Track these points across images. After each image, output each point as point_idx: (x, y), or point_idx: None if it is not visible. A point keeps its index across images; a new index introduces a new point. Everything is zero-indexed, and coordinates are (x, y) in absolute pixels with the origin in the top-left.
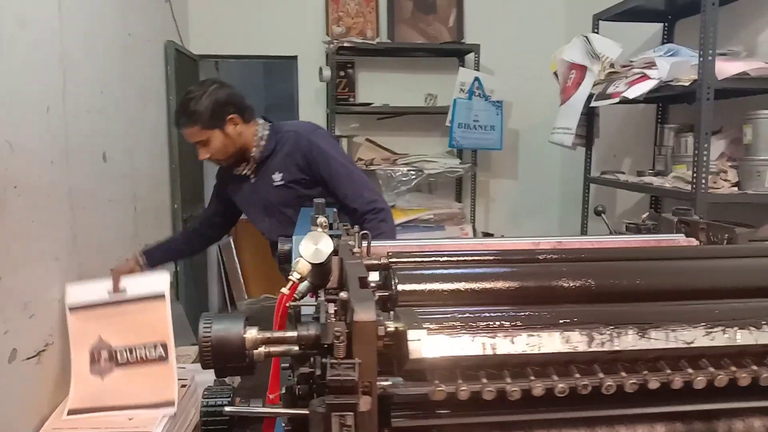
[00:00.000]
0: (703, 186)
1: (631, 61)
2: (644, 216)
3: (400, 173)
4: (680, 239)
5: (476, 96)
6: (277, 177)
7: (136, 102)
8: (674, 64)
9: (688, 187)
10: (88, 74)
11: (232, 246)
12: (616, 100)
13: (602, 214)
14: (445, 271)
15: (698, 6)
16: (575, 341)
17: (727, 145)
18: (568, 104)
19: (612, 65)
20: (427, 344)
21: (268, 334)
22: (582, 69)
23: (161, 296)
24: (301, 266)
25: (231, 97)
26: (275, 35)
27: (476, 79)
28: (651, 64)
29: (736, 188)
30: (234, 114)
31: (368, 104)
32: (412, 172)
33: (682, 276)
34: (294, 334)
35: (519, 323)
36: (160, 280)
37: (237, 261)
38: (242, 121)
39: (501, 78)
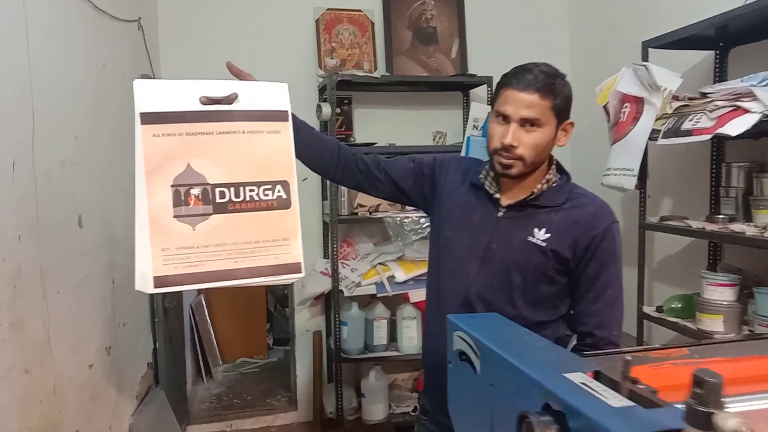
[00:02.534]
0: None
1: (706, 93)
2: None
3: (409, 220)
4: None
5: None
6: (542, 234)
7: (110, 148)
8: None
9: None
10: (61, 116)
11: (204, 305)
12: (705, 137)
13: None
14: None
15: (754, 34)
16: None
17: None
18: (625, 141)
19: (675, 97)
20: None
21: None
22: (637, 101)
23: (283, 115)
24: None
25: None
26: (260, 69)
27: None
28: (744, 96)
29: None
30: (572, 121)
31: (372, 144)
32: (423, 219)
33: None
34: None
35: None
36: (279, 92)
37: (210, 322)
38: (568, 136)
39: None
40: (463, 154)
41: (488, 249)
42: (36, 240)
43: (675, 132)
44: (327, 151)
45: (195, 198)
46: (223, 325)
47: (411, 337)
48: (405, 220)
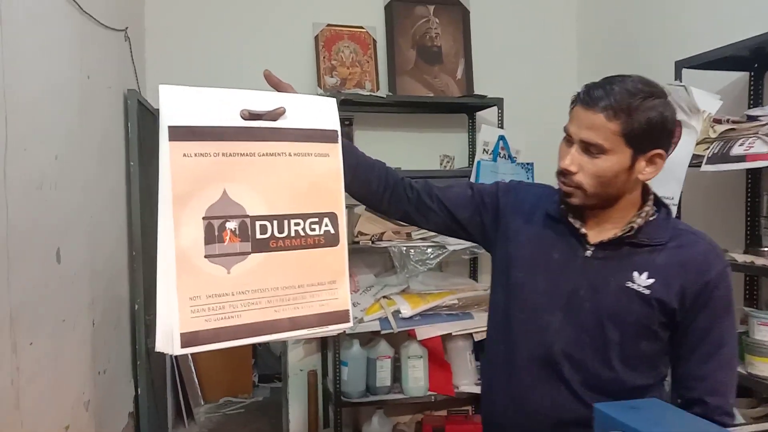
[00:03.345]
0: None
1: (755, 117)
2: None
3: (416, 251)
4: None
5: (501, 157)
6: (643, 279)
7: (94, 169)
8: None
9: None
10: (39, 130)
11: None
12: (763, 162)
13: None
14: None
15: None
16: None
17: None
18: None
19: (716, 120)
20: None
21: None
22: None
23: (333, 135)
24: None
25: (671, 128)
26: (255, 88)
27: (501, 137)
28: None
29: None
30: (662, 151)
31: None
32: (429, 250)
33: None
34: None
35: None
36: (328, 108)
37: (190, 359)
38: (656, 168)
39: (522, 135)
40: (473, 179)
41: (574, 296)
42: (5, 281)
43: (723, 158)
44: (374, 177)
45: (231, 233)
46: (204, 360)
47: (417, 378)
48: (411, 250)
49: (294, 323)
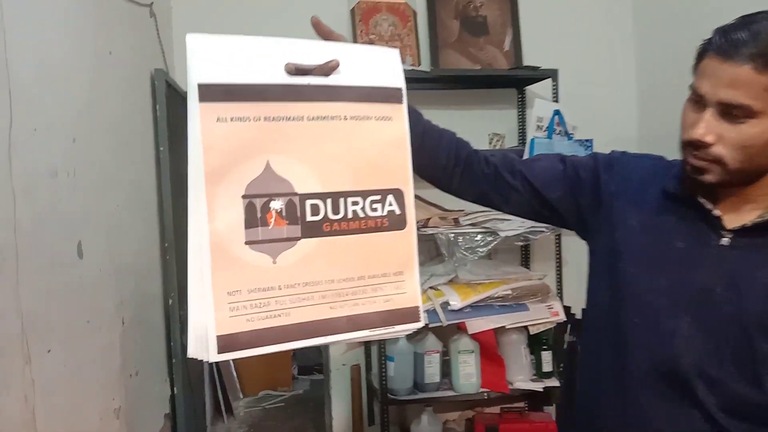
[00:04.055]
0: None
1: None
2: None
3: (466, 237)
4: None
5: (557, 134)
6: None
7: (117, 154)
8: None
9: None
10: (52, 110)
11: None
12: None
13: None
14: None
15: None
16: None
17: None
18: None
19: None
20: None
21: None
22: None
23: (396, 95)
24: None
25: None
26: None
27: (556, 112)
28: None
29: None
30: None
31: None
32: (478, 237)
33: None
34: None
35: None
36: (391, 61)
37: None
38: None
39: (576, 111)
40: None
41: (707, 296)
42: (14, 282)
43: None
44: (443, 149)
45: (277, 215)
46: None
47: (469, 374)
48: (459, 238)
49: (353, 323)
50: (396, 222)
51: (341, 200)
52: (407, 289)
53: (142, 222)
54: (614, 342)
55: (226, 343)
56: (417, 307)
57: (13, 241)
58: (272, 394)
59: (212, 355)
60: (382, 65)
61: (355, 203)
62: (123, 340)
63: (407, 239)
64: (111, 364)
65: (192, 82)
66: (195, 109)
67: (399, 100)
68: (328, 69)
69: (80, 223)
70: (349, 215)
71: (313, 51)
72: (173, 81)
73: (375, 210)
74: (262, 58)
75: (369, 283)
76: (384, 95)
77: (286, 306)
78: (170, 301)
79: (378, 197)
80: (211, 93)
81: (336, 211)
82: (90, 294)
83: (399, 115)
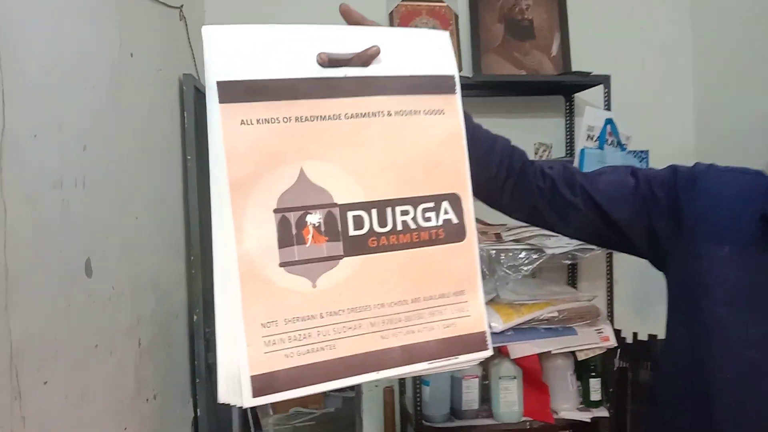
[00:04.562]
0: None
1: None
2: None
3: (509, 255)
4: None
5: (609, 144)
6: None
7: (138, 163)
8: None
9: None
10: (58, 113)
11: None
12: None
13: None
14: None
15: None
16: None
17: None
18: None
19: None
20: None
21: None
22: None
23: (448, 83)
24: None
25: None
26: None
27: (608, 121)
28: None
29: None
30: None
31: None
32: (522, 254)
33: None
34: None
35: None
36: (441, 45)
37: None
38: None
39: (630, 120)
40: None
41: None
42: (2, 309)
43: None
44: (494, 157)
45: (315, 230)
46: None
47: (510, 402)
48: (501, 254)
49: (409, 354)
50: (453, 233)
51: (388, 210)
52: (471, 311)
53: (166, 234)
54: (695, 393)
55: (262, 384)
56: (484, 332)
57: (2, 260)
58: (303, 412)
59: (246, 400)
60: (429, 50)
61: (404, 213)
62: (139, 363)
63: (468, 252)
64: (122, 389)
65: (210, 80)
66: (215, 111)
67: (452, 90)
68: (367, 58)
69: (90, 238)
70: (399, 227)
71: (349, 38)
72: (203, 87)
73: (428, 220)
74: (289, 49)
75: (425, 306)
76: (434, 85)
77: (330, 337)
78: (195, 318)
79: (431, 204)
80: (232, 92)
81: (383, 224)
82: (99, 315)
83: (452, 107)
